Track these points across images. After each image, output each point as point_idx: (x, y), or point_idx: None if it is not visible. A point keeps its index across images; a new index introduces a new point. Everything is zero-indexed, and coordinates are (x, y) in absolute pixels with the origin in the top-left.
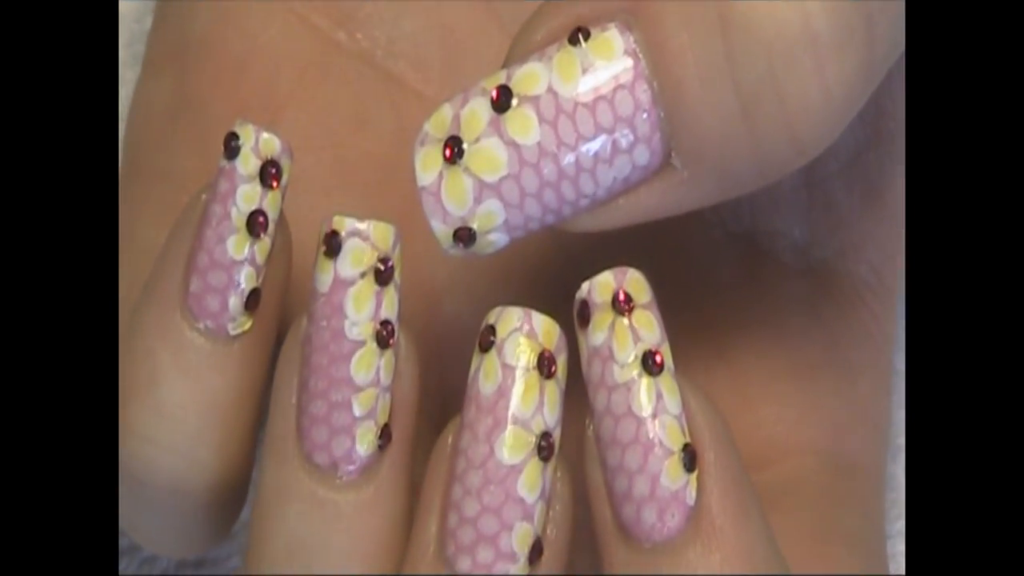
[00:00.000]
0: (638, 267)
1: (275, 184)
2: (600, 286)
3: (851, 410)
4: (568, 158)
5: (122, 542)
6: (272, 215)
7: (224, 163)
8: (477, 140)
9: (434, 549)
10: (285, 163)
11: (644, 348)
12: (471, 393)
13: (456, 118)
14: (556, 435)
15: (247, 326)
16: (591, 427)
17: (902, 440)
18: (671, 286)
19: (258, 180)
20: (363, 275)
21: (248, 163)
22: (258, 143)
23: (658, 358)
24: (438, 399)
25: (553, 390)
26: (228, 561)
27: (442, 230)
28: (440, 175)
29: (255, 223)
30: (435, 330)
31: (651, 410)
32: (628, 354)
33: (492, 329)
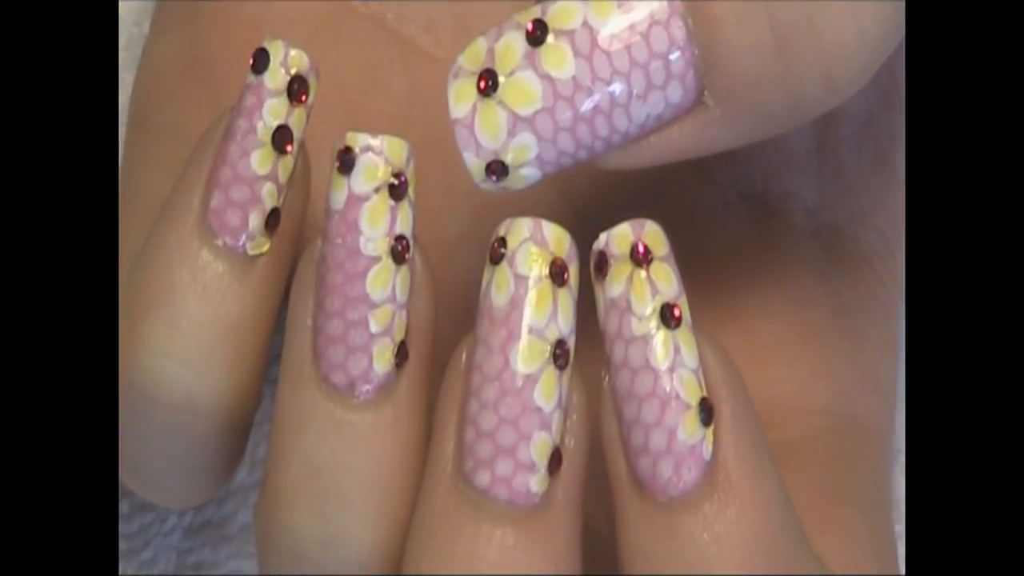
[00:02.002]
0: None
1: (303, 99)
2: (618, 238)
3: (858, 374)
4: (602, 93)
5: (121, 545)
6: (297, 133)
7: (251, 78)
8: (512, 73)
9: (452, 467)
10: (312, 82)
11: (662, 301)
12: (483, 307)
13: (491, 51)
14: (571, 343)
15: (265, 247)
16: (607, 379)
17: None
18: (683, 247)
19: (286, 95)
20: (377, 190)
21: (276, 77)
22: (287, 58)
23: (676, 311)
24: (452, 351)
25: (566, 298)
26: (227, 563)
27: (474, 163)
28: (474, 107)
29: (281, 138)
30: (448, 284)
31: (668, 363)
32: (646, 306)
33: (503, 241)
